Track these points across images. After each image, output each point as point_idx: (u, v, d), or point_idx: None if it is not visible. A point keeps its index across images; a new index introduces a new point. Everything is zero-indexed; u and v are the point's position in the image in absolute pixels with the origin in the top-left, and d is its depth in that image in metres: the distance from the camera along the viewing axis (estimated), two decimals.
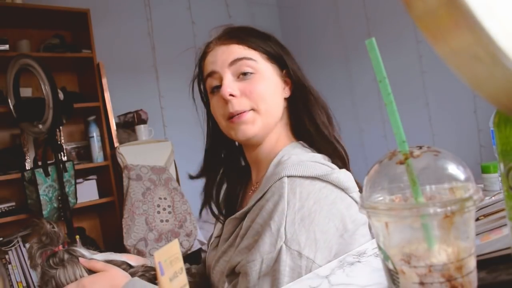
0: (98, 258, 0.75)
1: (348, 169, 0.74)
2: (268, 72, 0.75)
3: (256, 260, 0.62)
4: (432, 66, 2.72)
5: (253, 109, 0.73)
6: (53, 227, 0.76)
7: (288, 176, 0.65)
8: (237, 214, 0.71)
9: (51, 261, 0.71)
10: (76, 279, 0.70)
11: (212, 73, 0.76)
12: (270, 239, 0.62)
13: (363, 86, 3.17)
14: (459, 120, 2.66)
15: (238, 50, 0.74)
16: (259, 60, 0.74)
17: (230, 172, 0.87)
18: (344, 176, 0.68)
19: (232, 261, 0.67)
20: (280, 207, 0.63)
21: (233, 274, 0.68)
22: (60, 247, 0.74)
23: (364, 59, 3.04)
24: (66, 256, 0.72)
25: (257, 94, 0.73)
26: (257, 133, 0.74)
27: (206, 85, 0.79)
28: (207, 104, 0.82)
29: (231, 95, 0.72)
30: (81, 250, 0.75)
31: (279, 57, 0.77)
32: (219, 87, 0.74)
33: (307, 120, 0.77)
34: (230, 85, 0.72)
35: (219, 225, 0.85)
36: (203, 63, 0.79)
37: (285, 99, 0.78)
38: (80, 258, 0.73)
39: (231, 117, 0.73)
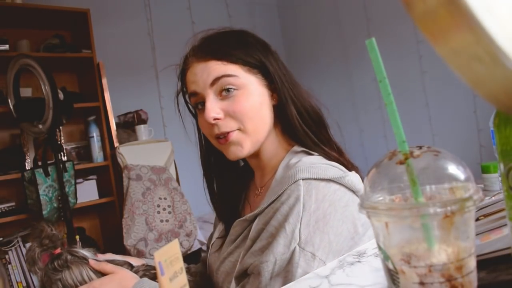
0: (99, 259, 0.75)
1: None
2: (252, 85, 0.72)
3: (269, 261, 0.62)
4: (432, 66, 2.73)
5: (239, 129, 0.71)
6: (52, 230, 0.75)
7: (303, 179, 0.65)
8: (247, 216, 0.70)
9: (55, 264, 0.70)
10: (83, 280, 0.69)
11: (194, 93, 0.74)
12: (284, 240, 0.62)
13: (363, 86, 3.17)
14: (459, 120, 2.66)
15: (217, 68, 0.70)
16: (241, 74, 0.71)
17: (230, 174, 0.86)
18: (357, 179, 0.69)
19: (244, 263, 0.67)
20: (296, 210, 0.63)
21: (244, 275, 0.68)
22: (60, 249, 0.73)
23: (364, 59, 3.05)
24: (69, 257, 0.72)
25: (242, 114, 0.70)
26: (248, 152, 0.73)
27: (191, 101, 0.77)
28: (195, 115, 0.80)
29: (215, 119, 0.70)
30: (82, 250, 0.74)
31: (261, 65, 0.73)
32: (203, 103, 0.72)
33: (296, 127, 0.73)
34: (213, 108, 0.70)
35: (220, 226, 0.85)
36: (185, 79, 0.77)
37: (275, 106, 0.75)
38: (90, 260, 0.72)
39: (218, 137, 0.72)
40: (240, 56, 0.71)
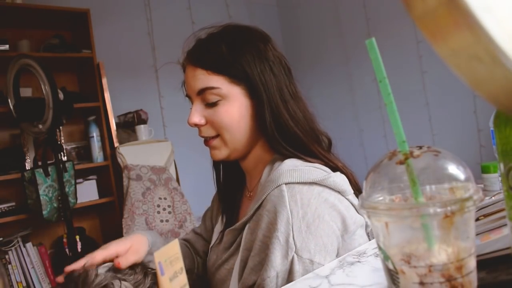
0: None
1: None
2: (234, 97, 0.73)
3: (271, 276, 0.62)
4: (432, 66, 2.73)
5: (219, 136, 0.75)
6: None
7: (286, 183, 0.65)
8: (236, 225, 0.71)
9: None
10: None
11: (187, 95, 0.78)
12: (281, 251, 0.62)
13: (363, 86, 3.17)
14: (459, 120, 2.66)
15: (202, 78, 0.72)
16: (224, 86, 0.72)
17: (226, 174, 0.88)
18: (340, 180, 0.68)
19: (246, 281, 0.66)
20: (284, 217, 0.63)
21: None
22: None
23: (364, 59, 3.05)
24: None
25: (220, 125, 0.73)
26: (227, 156, 0.76)
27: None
28: None
29: (195, 124, 0.75)
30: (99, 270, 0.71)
31: (246, 76, 0.72)
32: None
33: (282, 140, 0.73)
34: (195, 114, 0.74)
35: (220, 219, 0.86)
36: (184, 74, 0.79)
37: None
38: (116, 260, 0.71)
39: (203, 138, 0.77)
40: (225, 67, 0.72)
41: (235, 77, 0.72)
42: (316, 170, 0.68)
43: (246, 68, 0.72)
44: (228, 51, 0.73)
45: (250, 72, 0.72)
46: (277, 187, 0.65)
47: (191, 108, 0.77)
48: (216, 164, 0.88)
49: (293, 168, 0.67)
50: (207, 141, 0.76)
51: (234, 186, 0.87)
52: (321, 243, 0.63)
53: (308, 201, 0.64)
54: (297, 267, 0.61)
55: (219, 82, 0.72)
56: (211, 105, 0.73)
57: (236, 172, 0.86)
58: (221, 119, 0.73)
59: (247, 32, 0.77)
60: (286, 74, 0.76)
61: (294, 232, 0.62)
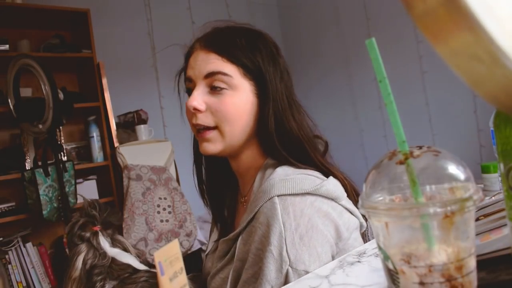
0: (110, 252, 0.82)
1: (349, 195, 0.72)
2: (243, 90, 0.71)
3: None
4: (432, 66, 2.73)
5: (217, 127, 0.71)
6: (93, 211, 0.87)
7: (278, 196, 0.64)
8: (230, 235, 0.70)
9: (82, 234, 0.83)
10: (76, 258, 0.78)
11: (189, 79, 0.74)
12: (275, 265, 0.62)
13: (363, 86, 3.17)
14: (459, 120, 2.66)
15: (215, 63, 0.70)
16: (236, 76, 0.70)
17: (217, 176, 0.85)
18: (333, 186, 0.68)
19: None
20: (277, 230, 0.62)
21: None
22: (98, 227, 0.85)
23: (364, 59, 3.05)
24: (88, 236, 0.82)
25: (223, 115, 0.70)
26: (219, 152, 0.73)
27: (186, 84, 0.77)
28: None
29: (195, 109, 0.71)
30: (103, 239, 0.84)
31: (259, 73, 0.71)
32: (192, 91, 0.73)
33: (274, 143, 0.71)
34: (197, 98, 0.71)
35: (216, 229, 0.86)
36: (189, 60, 0.76)
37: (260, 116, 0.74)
38: None
39: (196, 128, 0.73)
40: (241, 58, 0.71)
41: (249, 71, 0.71)
42: (309, 178, 0.67)
43: (261, 65, 0.71)
44: (247, 45, 0.72)
45: (264, 70, 0.71)
46: (269, 199, 0.64)
47: (189, 95, 0.74)
48: (198, 165, 0.85)
49: (284, 177, 0.66)
50: (200, 132, 0.73)
51: (221, 190, 0.85)
52: (315, 253, 0.62)
53: (301, 212, 0.63)
54: (292, 280, 0.61)
55: (232, 71, 0.70)
56: (217, 91, 0.70)
57: (223, 174, 0.83)
58: (226, 109, 0.70)
59: (264, 36, 0.76)
60: (291, 85, 0.76)
61: (287, 245, 0.62)
